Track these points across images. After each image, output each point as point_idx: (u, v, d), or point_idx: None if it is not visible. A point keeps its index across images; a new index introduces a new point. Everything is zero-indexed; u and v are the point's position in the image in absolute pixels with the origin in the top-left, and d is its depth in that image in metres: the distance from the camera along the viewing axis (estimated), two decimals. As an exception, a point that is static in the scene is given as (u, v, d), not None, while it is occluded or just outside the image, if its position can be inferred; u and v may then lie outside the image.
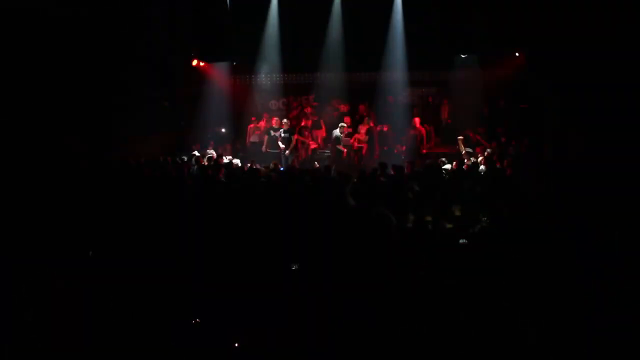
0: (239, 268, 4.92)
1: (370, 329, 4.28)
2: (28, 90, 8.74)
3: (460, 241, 5.75)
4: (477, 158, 9.59)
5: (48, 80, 9.13)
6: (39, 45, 8.85)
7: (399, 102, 13.34)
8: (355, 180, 7.98)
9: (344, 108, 13.31)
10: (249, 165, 9.57)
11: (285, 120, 12.19)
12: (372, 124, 12.25)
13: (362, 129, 12.06)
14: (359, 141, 12.00)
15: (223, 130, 13.13)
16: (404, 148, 12.07)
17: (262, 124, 12.74)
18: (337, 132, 11.90)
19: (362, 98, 13.13)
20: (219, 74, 12.92)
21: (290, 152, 11.85)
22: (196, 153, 10.54)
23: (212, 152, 10.70)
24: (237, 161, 10.09)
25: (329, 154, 12.01)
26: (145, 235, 5.79)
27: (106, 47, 9.95)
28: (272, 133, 11.95)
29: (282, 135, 11.92)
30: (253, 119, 12.92)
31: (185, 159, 10.24)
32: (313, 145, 12.59)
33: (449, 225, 6.19)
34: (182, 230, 5.86)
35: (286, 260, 5.13)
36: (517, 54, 11.58)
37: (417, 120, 12.07)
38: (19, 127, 8.64)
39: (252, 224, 5.98)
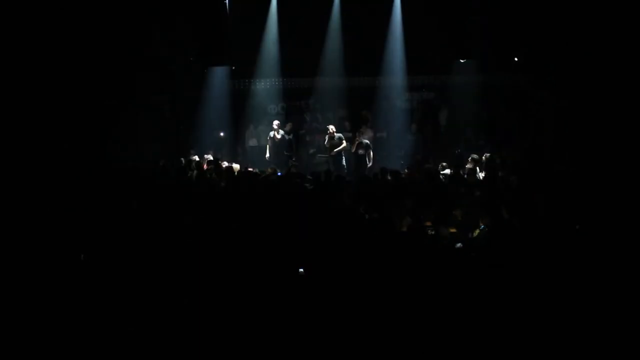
0: (244, 273, 4.90)
1: (370, 331, 4.28)
2: (28, 92, 8.74)
3: (457, 245, 5.77)
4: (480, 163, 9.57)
5: (46, 83, 9.13)
6: (39, 47, 8.85)
7: (397, 106, 13.37)
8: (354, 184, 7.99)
9: (343, 112, 13.34)
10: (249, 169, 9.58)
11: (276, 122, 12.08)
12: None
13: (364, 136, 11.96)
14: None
15: (222, 134, 13.12)
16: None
17: (260, 128, 12.76)
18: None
19: (362, 103, 13.15)
20: (219, 78, 12.92)
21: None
22: (196, 158, 10.53)
23: (209, 157, 10.68)
24: (236, 166, 10.08)
25: (328, 158, 11.99)
26: (148, 239, 5.78)
27: (106, 51, 9.96)
28: (273, 135, 11.84)
29: (286, 137, 11.89)
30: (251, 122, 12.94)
31: (184, 161, 10.24)
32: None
33: (451, 230, 6.20)
34: (185, 235, 5.85)
35: (291, 265, 5.13)
36: (515, 59, 11.62)
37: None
38: (17, 128, 8.63)
39: (254, 229, 5.97)
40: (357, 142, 11.14)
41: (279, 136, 11.75)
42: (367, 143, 11.17)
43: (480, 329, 4.21)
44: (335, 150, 11.35)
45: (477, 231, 6.13)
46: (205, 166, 9.75)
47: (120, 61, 10.26)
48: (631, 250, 4.94)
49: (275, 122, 11.92)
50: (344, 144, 11.39)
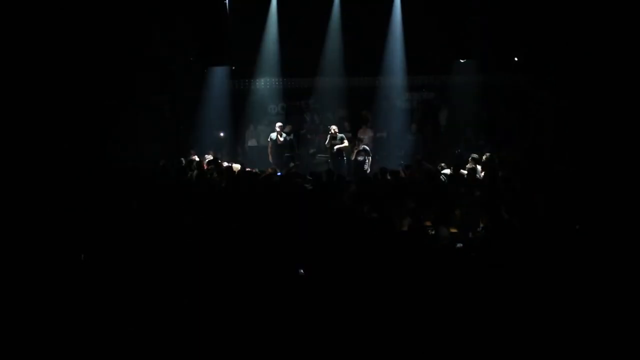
0: (244, 272, 4.91)
1: (370, 331, 4.29)
2: (28, 92, 8.74)
3: (457, 245, 5.77)
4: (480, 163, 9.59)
5: (47, 83, 9.14)
6: (40, 47, 8.86)
7: (397, 106, 13.40)
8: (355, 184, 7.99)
9: (343, 112, 13.36)
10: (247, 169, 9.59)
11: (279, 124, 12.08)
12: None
13: (365, 136, 11.99)
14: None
15: (222, 134, 13.13)
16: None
17: (259, 128, 12.80)
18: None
19: (362, 103, 13.17)
20: (219, 78, 12.93)
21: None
22: (195, 158, 10.54)
23: (209, 157, 10.69)
24: (237, 166, 10.08)
25: (327, 158, 12.01)
26: (148, 239, 5.78)
27: (106, 51, 9.97)
28: (276, 137, 11.81)
29: (287, 139, 11.92)
30: (251, 123, 12.98)
31: (184, 161, 10.26)
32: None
33: (452, 230, 6.20)
34: (185, 234, 5.85)
35: (291, 265, 5.13)
36: (515, 59, 11.62)
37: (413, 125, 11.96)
38: (17, 128, 8.64)
39: (254, 228, 5.97)
40: (356, 150, 11.18)
41: (281, 139, 11.71)
42: (366, 149, 11.19)
43: (480, 328, 4.21)
44: (335, 147, 11.35)
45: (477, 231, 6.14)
46: (205, 166, 9.76)
47: (120, 61, 10.26)
48: (631, 250, 4.94)
49: (278, 125, 11.91)
50: (345, 143, 11.41)
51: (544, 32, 9.95)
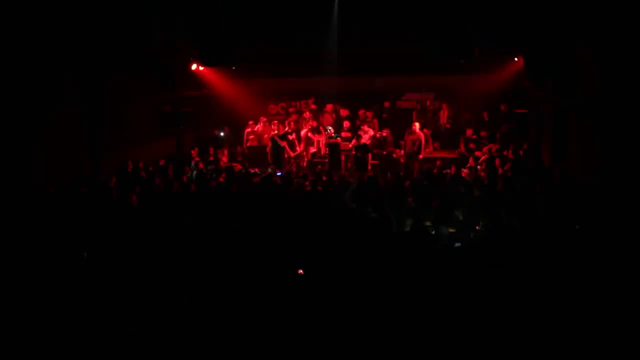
0: (243, 272, 4.91)
1: (370, 330, 4.29)
2: (27, 92, 8.74)
3: (455, 245, 5.78)
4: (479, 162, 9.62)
5: (46, 83, 9.13)
6: (40, 47, 8.85)
7: (397, 106, 13.41)
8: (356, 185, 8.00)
9: (343, 112, 13.35)
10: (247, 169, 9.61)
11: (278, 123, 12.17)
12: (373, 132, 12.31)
13: (365, 135, 12.01)
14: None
15: (222, 134, 13.14)
16: (402, 152, 12.11)
17: (259, 127, 12.81)
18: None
19: (362, 103, 13.18)
20: (219, 78, 12.93)
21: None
22: (196, 158, 10.56)
23: (210, 157, 10.72)
24: (237, 165, 10.10)
25: (326, 158, 12.02)
26: (149, 239, 5.79)
27: (106, 51, 9.96)
28: (276, 137, 11.85)
29: (288, 139, 11.94)
30: (250, 122, 12.97)
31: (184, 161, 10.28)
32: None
33: (450, 230, 6.21)
34: (185, 234, 5.86)
35: (291, 265, 5.13)
36: (516, 59, 11.62)
37: (416, 124, 12.04)
38: (17, 127, 8.63)
39: (254, 228, 5.97)
40: (354, 146, 11.23)
41: (282, 139, 11.77)
42: (366, 145, 11.21)
43: (480, 328, 4.21)
44: (331, 140, 11.39)
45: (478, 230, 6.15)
46: (203, 166, 9.78)
47: (120, 61, 10.26)
48: (631, 250, 4.95)
49: (278, 124, 11.99)
50: (339, 140, 11.52)
51: (544, 31, 9.94)
